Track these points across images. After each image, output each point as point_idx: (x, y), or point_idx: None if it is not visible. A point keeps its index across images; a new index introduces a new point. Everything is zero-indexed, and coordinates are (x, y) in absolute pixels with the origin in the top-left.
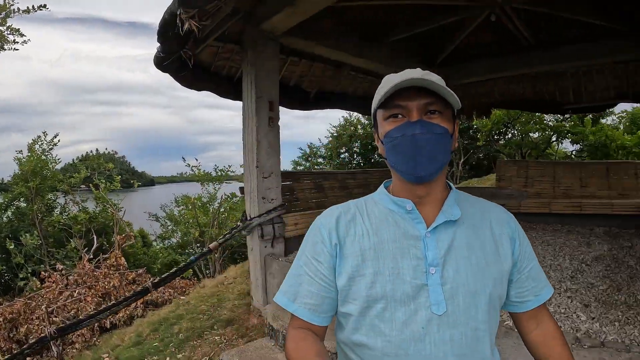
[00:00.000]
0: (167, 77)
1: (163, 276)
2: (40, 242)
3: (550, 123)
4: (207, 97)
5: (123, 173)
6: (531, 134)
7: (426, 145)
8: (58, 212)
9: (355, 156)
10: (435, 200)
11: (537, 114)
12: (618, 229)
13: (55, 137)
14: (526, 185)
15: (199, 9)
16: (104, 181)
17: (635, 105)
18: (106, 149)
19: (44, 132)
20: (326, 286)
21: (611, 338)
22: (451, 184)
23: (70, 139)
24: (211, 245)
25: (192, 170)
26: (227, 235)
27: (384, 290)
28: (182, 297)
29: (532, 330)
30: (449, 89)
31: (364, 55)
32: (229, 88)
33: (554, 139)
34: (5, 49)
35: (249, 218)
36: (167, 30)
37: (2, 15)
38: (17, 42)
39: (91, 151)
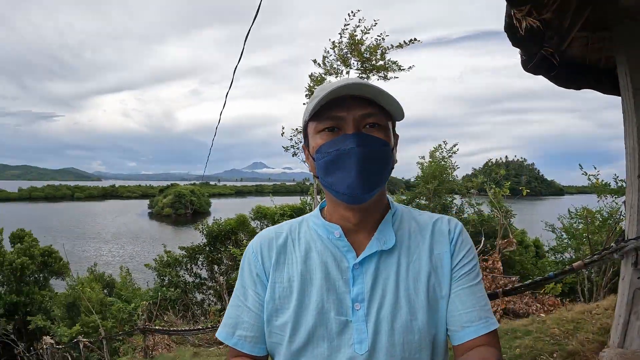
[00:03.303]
0: None
1: (515, 286)
2: None
3: None
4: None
5: (532, 181)
6: None
7: (364, 161)
8: (453, 212)
9: None
10: (371, 224)
11: None
12: None
13: (454, 145)
14: None
15: (531, 4)
16: (494, 186)
17: None
18: (515, 156)
19: (444, 141)
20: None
21: None
22: (393, 202)
23: (479, 147)
24: (575, 265)
25: (590, 179)
26: (596, 256)
27: (307, 326)
28: (542, 315)
29: None
30: (390, 95)
31: None
32: (610, 82)
33: None
34: (388, 78)
35: (625, 239)
36: (514, 32)
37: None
38: (402, 70)
39: (500, 158)
